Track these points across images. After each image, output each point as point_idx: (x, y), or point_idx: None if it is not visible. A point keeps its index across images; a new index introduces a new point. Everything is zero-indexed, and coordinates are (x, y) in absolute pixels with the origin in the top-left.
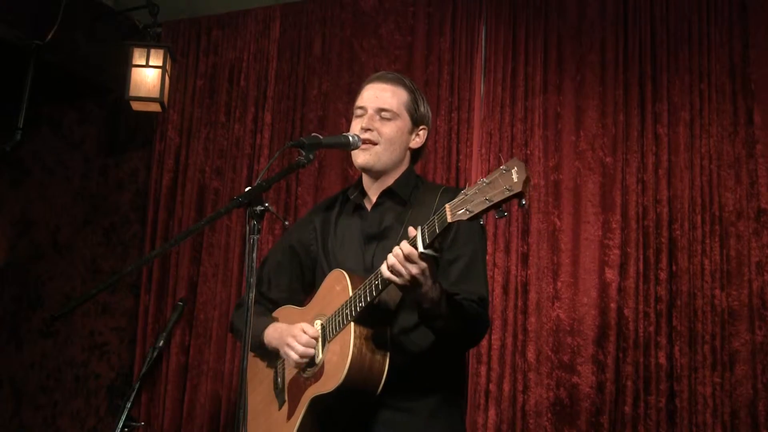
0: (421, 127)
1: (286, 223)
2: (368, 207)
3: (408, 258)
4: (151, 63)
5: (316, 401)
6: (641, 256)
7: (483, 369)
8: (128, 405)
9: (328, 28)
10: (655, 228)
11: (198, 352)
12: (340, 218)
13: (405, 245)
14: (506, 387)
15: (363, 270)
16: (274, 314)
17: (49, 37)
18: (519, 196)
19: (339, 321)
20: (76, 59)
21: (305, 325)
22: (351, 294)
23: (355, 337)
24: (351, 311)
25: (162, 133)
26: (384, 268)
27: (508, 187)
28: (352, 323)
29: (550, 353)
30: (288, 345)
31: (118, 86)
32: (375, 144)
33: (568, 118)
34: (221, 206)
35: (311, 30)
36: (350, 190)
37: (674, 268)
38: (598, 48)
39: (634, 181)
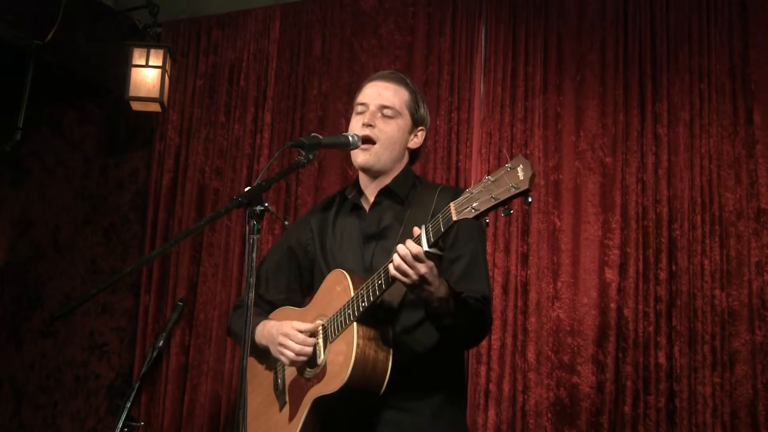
0: (420, 127)
1: (286, 223)
2: (366, 206)
3: (415, 257)
4: (150, 63)
5: (319, 402)
6: (641, 256)
7: (483, 369)
8: (128, 405)
9: (328, 28)
10: (655, 228)
11: (198, 352)
12: (337, 218)
13: (411, 244)
14: (506, 387)
15: (362, 270)
16: (272, 315)
17: (49, 37)
18: (525, 193)
19: (341, 321)
20: (76, 59)
21: (297, 323)
22: (353, 294)
23: (358, 337)
24: (354, 311)
25: (162, 133)
26: (390, 268)
27: (514, 184)
28: (355, 323)
29: (550, 353)
30: (281, 344)
31: (118, 86)
32: (374, 143)
33: (568, 118)
34: (221, 206)
35: (311, 30)
36: (348, 189)
37: (674, 268)
38: (598, 48)
39: (633, 181)
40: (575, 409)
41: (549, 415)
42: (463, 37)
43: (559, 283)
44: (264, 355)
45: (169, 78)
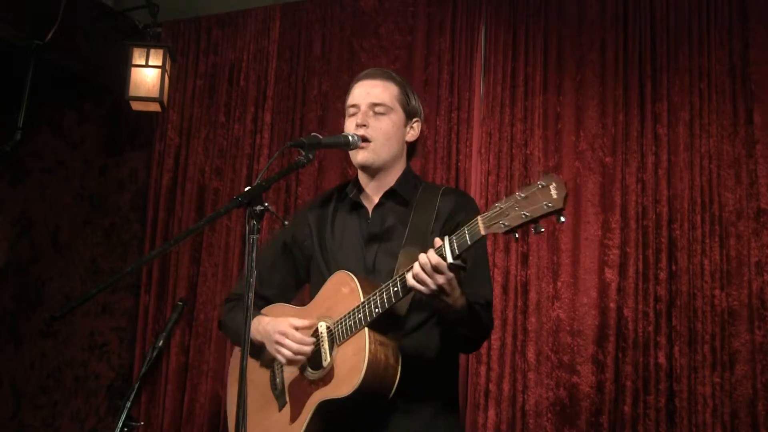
0: (414, 119)
1: (286, 223)
2: (368, 206)
3: (435, 268)
4: (150, 63)
5: (325, 405)
6: (641, 256)
7: (483, 369)
8: (128, 405)
9: (328, 28)
10: (655, 228)
11: (198, 352)
12: (336, 215)
13: (432, 255)
14: (506, 387)
15: (364, 271)
16: (264, 311)
17: (49, 37)
18: (558, 212)
19: (351, 325)
20: (76, 59)
21: (294, 320)
22: (363, 298)
23: (370, 342)
24: (366, 316)
25: (162, 133)
26: (408, 277)
27: (547, 203)
28: (367, 328)
29: (549, 353)
30: (278, 342)
31: (118, 86)
32: (371, 141)
33: (568, 118)
34: (221, 206)
35: (311, 30)
36: (348, 187)
37: (674, 268)
38: (598, 48)
39: (633, 181)
40: (575, 409)
41: (549, 414)
42: (463, 37)
43: (559, 283)
44: (258, 351)
45: (169, 78)
